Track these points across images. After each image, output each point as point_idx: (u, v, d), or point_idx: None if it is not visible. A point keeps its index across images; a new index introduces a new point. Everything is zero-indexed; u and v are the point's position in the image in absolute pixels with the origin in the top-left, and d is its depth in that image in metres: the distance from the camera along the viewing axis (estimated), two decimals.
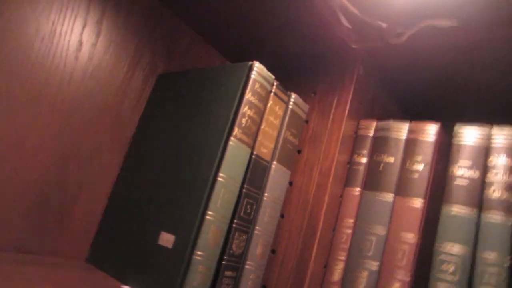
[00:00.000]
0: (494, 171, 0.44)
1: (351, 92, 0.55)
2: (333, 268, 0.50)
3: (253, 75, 0.48)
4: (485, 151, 0.45)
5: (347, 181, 0.54)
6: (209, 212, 0.43)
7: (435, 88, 0.61)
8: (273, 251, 0.52)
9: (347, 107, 0.54)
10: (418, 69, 0.58)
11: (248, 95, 0.48)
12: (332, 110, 0.56)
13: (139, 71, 0.58)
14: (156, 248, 0.44)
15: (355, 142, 0.56)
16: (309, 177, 0.54)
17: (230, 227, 0.46)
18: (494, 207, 0.43)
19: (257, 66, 0.49)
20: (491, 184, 0.44)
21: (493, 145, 0.45)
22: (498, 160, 0.44)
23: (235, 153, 0.46)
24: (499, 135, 0.45)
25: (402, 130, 0.52)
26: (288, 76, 0.62)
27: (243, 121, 0.47)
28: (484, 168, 0.45)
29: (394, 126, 0.53)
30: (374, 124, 0.55)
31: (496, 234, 0.41)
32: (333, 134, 0.54)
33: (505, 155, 0.44)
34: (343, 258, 0.50)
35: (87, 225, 0.53)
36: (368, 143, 0.55)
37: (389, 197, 0.50)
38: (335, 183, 0.53)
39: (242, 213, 0.47)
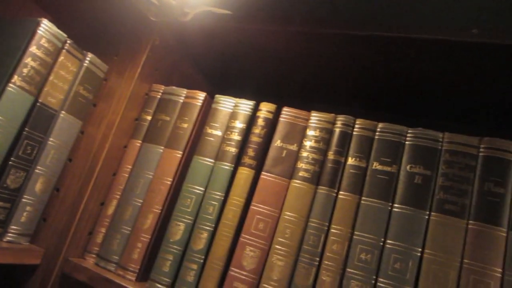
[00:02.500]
0: (232, 131, 0.57)
1: (144, 58, 0.64)
2: (109, 205, 0.60)
3: (40, 31, 0.53)
4: (230, 116, 0.59)
5: (133, 134, 0.63)
6: None
7: (223, 63, 0.73)
8: (57, 190, 0.60)
9: (139, 70, 0.63)
10: (209, 46, 0.69)
11: (32, 48, 0.53)
12: (126, 73, 0.64)
13: None
14: None
15: (145, 101, 0.65)
16: (98, 128, 0.62)
17: (5, 163, 0.52)
18: (224, 158, 0.56)
19: (46, 23, 0.54)
20: (227, 140, 0.57)
21: (236, 112, 0.59)
22: (236, 124, 0.58)
23: (14, 99, 0.52)
24: (243, 106, 0.59)
25: (181, 95, 0.63)
26: (96, 39, 0.68)
27: (25, 70, 0.52)
28: (226, 129, 0.58)
29: (175, 91, 0.64)
30: (162, 88, 0.65)
31: (221, 177, 0.55)
32: (123, 93, 0.62)
33: (240, 121, 0.58)
34: (118, 196, 0.60)
35: None
36: (154, 103, 0.64)
37: (160, 149, 0.60)
38: (120, 135, 0.62)
39: (20, 153, 0.53)
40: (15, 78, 0.51)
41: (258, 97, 0.61)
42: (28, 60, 0.52)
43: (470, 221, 0.44)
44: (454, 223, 0.45)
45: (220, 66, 0.74)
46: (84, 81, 0.61)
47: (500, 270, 0.42)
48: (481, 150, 0.47)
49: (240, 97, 0.60)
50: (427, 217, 0.46)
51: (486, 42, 0.48)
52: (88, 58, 0.61)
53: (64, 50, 0.57)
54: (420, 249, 0.45)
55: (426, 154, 0.48)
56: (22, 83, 0.52)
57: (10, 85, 0.51)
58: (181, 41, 0.69)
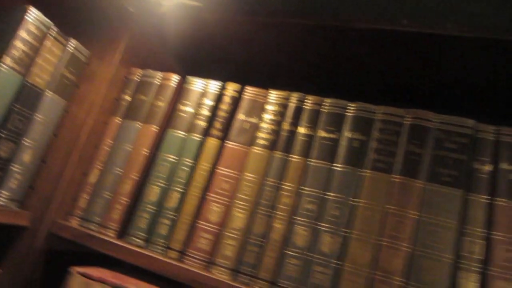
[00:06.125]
0: (202, 107, 0.66)
1: (123, 45, 0.71)
2: (91, 174, 0.67)
3: (28, 17, 0.60)
4: (200, 95, 0.67)
5: (114, 112, 0.71)
6: None
7: (194, 49, 0.81)
8: (43, 161, 0.66)
9: (118, 56, 0.71)
10: (182, 35, 0.77)
11: (21, 32, 0.59)
12: (107, 58, 0.71)
13: None
14: None
15: (125, 83, 0.73)
16: (81, 107, 0.69)
17: None
18: (195, 130, 0.64)
19: (32, 10, 0.61)
20: (197, 115, 0.65)
21: (206, 91, 0.67)
22: (206, 101, 0.66)
23: (5, 77, 0.58)
24: (212, 86, 0.67)
25: (157, 77, 0.71)
26: (79, 26, 0.74)
27: (15, 52, 0.59)
28: (197, 106, 0.66)
29: (152, 74, 0.71)
30: (140, 71, 0.73)
31: (192, 147, 0.63)
32: (104, 76, 0.70)
33: (209, 99, 0.66)
34: (99, 167, 0.67)
35: None
36: (133, 85, 0.72)
37: (138, 124, 0.68)
38: (102, 113, 0.69)
39: (9, 126, 0.60)
40: (7, 59, 0.58)
41: (225, 79, 0.69)
42: (17, 43, 0.59)
43: (396, 175, 0.54)
44: (383, 178, 0.54)
45: (191, 51, 0.82)
46: (68, 64, 0.68)
47: (417, 213, 0.52)
48: (406, 119, 0.56)
49: (209, 79, 0.68)
50: (362, 173, 0.55)
51: (413, 31, 0.58)
52: (71, 44, 0.68)
53: (49, 36, 0.64)
54: (355, 199, 0.54)
55: (363, 123, 0.58)
56: (12, 64, 0.59)
57: (2, 64, 0.58)
58: (157, 29, 0.77)
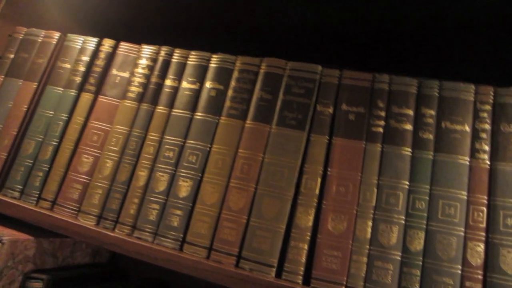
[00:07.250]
0: (78, 64, 0.67)
1: (3, 4, 0.71)
2: None
3: None
4: (78, 52, 0.68)
5: None
6: None
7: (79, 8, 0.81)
8: None
9: None
10: None
11: None
12: None
13: None
14: None
15: (9, 42, 0.73)
16: None
17: None
18: (71, 86, 0.66)
19: None
20: (74, 71, 0.66)
21: (84, 48, 0.68)
22: (82, 58, 0.67)
23: None
24: (90, 42, 0.68)
25: (39, 35, 0.71)
26: None
27: None
28: (74, 62, 0.67)
29: (35, 32, 0.72)
30: (24, 30, 0.73)
31: (68, 102, 0.65)
32: None
33: (85, 55, 0.67)
34: None
35: None
36: (17, 43, 0.72)
37: (19, 82, 0.69)
38: None
39: None
40: None
41: (116, 38, 0.70)
42: None
43: (247, 121, 0.57)
44: (236, 124, 0.57)
45: (81, 10, 0.82)
46: None
47: (264, 155, 0.55)
48: (261, 67, 0.59)
49: (103, 38, 0.69)
50: (217, 121, 0.58)
51: None
52: None
53: None
54: (209, 145, 0.57)
55: (223, 73, 0.60)
56: None
57: None
58: None
